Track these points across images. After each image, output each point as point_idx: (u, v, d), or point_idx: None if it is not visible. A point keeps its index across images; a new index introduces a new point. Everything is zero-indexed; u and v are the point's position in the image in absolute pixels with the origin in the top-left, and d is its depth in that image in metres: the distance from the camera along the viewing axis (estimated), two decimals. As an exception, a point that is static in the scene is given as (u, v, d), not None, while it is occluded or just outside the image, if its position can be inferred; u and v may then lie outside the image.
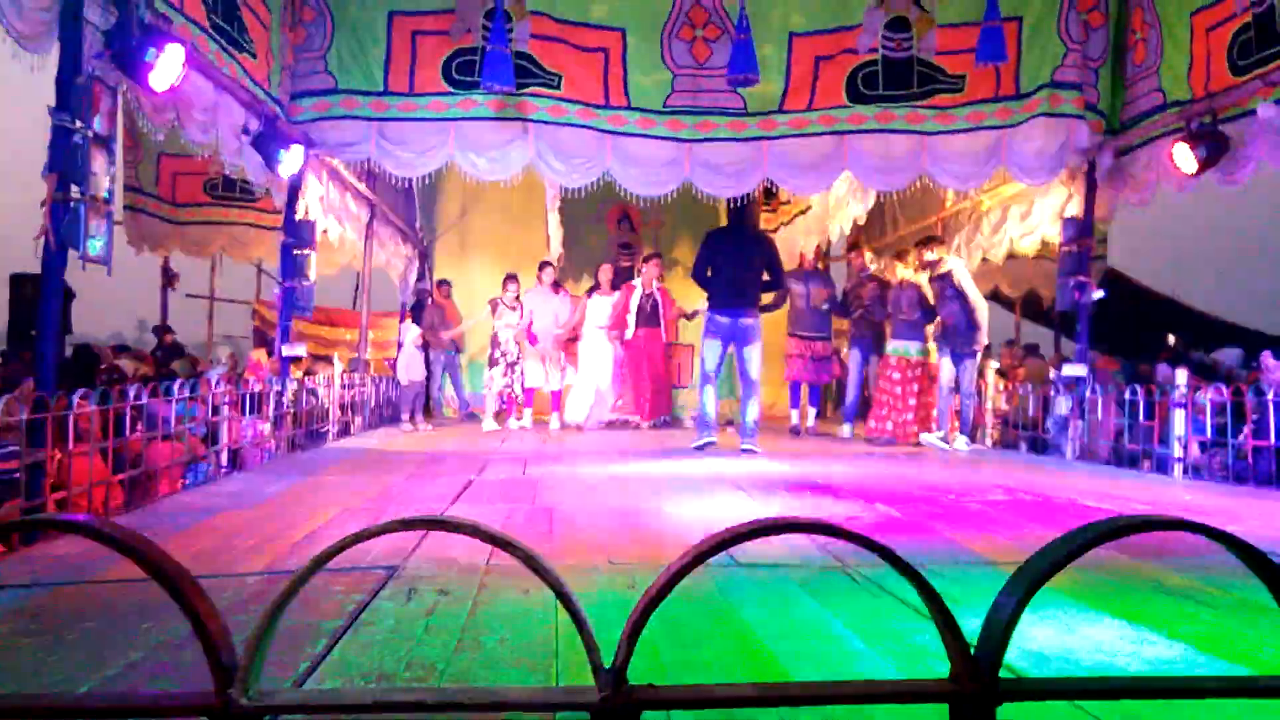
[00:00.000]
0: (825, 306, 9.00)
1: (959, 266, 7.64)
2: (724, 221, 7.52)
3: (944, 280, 7.50)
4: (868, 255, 9.28)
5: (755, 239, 7.20)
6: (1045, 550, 0.81)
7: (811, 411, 9.22)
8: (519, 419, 9.41)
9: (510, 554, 0.81)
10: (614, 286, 9.63)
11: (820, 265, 10.62)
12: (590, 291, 9.72)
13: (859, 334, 8.86)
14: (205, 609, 0.76)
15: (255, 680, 0.78)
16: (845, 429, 8.72)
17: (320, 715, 0.84)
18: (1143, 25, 7.31)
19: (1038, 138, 7.49)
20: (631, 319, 9.27)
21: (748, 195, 7.67)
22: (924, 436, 7.71)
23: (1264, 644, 2.17)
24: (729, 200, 7.58)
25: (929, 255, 7.68)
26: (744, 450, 6.80)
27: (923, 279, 7.76)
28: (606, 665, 0.79)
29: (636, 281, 9.39)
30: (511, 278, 9.45)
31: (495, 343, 9.35)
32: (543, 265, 9.66)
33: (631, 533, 3.62)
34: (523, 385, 9.37)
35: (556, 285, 9.68)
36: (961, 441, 7.53)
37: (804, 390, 9.18)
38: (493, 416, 9.36)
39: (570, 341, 9.59)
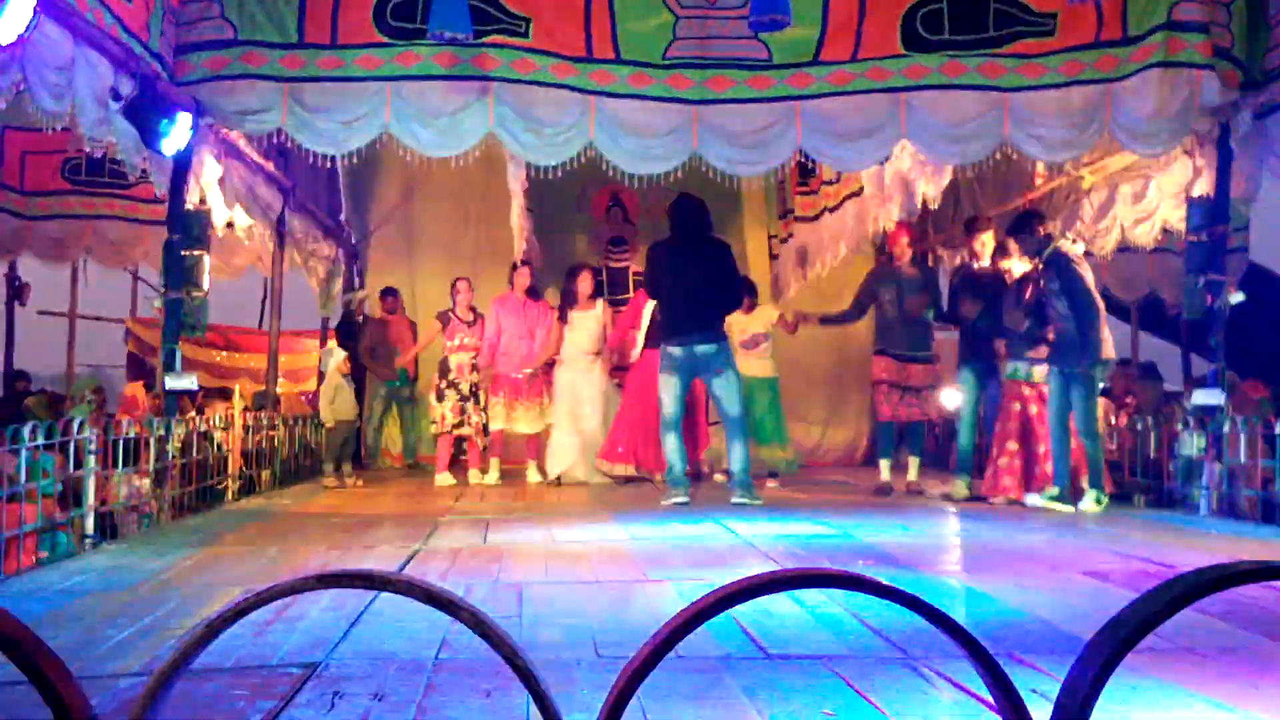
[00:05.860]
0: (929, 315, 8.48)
1: (1070, 255, 7.37)
2: (689, 222, 7.62)
3: (1049, 272, 7.24)
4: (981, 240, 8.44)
5: (709, 249, 7.58)
6: (1126, 613, 0.85)
7: (914, 462, 8.65)
8: (484, 471, 9.43)
9: (454, 616, 0.85)
10: (593, 297, 9.47)
11: (919, 257, 9.54)
12: (564, 308, 9.37)
13: (971, 351, 8.23)
14: (77, 705, 0.80)
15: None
16: (960, 485, 7.98)
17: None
18: (1290, -54, 7.40)
19: (1152, 94, 7.54)
20: (641, 336, 9.19)
21: (697, 195, 7.84)
22: (1029, 498, 7.34)
23: None
24: (672, 204, 7.79)
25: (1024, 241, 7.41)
26: (735, 503, 7.16)
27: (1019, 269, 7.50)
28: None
29: None
30: (462, 281, 9.51)
31: (444, 369, 9.43)
32: (516, 266, 9.72)
33: (627, 616, 3.65)
34: (486, 426, 9.39)
35: (533, 294, 9.68)
36: (1092, 499, 7.09)
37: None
38: (446, 467, 9.38)
39: (548, 368, 9.51)
